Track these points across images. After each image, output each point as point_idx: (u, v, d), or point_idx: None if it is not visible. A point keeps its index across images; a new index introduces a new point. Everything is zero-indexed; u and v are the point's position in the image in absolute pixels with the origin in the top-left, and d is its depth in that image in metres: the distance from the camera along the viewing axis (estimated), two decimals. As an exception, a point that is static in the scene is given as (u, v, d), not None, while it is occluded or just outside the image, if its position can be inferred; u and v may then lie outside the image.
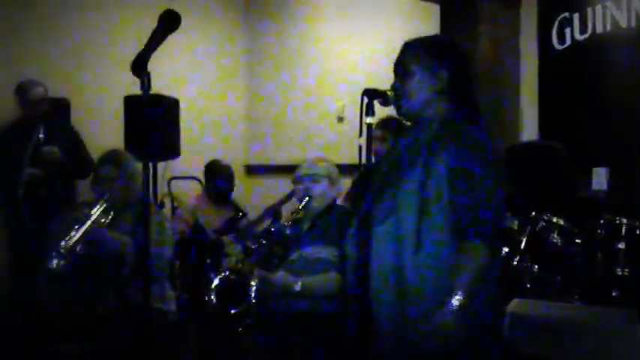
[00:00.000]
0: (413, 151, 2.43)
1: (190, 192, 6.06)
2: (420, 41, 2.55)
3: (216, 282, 3.68)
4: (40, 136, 5.03)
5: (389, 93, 2.43)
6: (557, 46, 5.12)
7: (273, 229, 3.66)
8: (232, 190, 5.72)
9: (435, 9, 5.47)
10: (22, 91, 5.15)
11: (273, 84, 7.23)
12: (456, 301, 2.17)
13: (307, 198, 3.71)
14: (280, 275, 3.54)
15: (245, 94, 7.46)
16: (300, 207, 3.68)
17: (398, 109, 2.49)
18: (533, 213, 3.91)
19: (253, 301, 3.48)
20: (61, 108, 5.57)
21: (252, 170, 7.39)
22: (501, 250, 2.23)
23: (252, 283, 3.51)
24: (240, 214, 5.34)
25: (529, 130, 5.30)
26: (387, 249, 2.34)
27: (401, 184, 2.37)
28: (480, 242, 2.23)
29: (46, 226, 4.70)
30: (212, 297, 3.60)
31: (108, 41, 6.26)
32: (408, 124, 2.56)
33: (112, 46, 6.24)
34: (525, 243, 3.85)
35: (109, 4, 6.35)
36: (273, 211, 5.17)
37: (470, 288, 2.19)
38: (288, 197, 5.03)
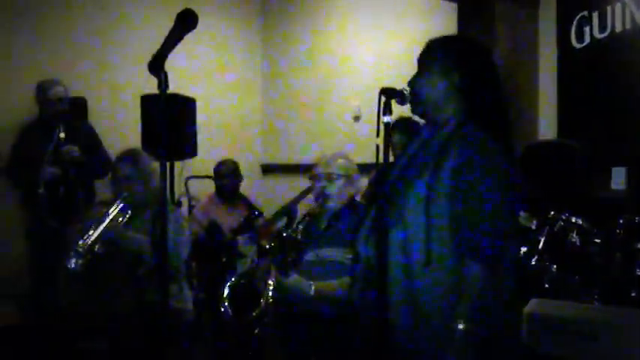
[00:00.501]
0: (423, 155, 2.39)
1: (207, 191, 6.07)
2: (439, 40, 2.53)
3: (226, 292, 3.68)
4: (61, 135, 5.05)
5: (406, 92, 2.42)
6: (576, 45, 5.08)
7: (285, 235, 3.63)
8: (238, 185, 5.73)
9: (453, 7, 5.45)
10: (42, 90, 5.17)
11: (289, 83, 7.24)
12: (460, 327, 2.14)
13: (323, 198, 3.69)
14: (294, 279, 3.51)
15: (261, 93, 7.46)
16: (316, 207, 3.66)
17: (413, 108, 2.47)
18: (552, 212, 3.88)
19: (268, 303, 3.47)
20: (78, 107, 5.59)
21: (268, 169, 7.39)
22: (509, 268, 2.18)
23: (270, 282, 3.50)
24: (256, 212, 5.33)
25: (547, 129, 5.27)
26: (397, 256, 2.28)
27: (409, 190, 2.31)
28: (480, 266, 2.16)
29: (65, 225, 4.74)
30: (226, 305, 3.59)
31: (125, 40, 6.28)
32: (422, 122, 2.53)
33: (129, 45, 6.26)
34: (544, 243, 3.82)
35: (126, 4, 6.37)
36: (289, 210, 5.16)
37: (472, 314, 2.15)
38: (304, 195, 5.01)
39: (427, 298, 2.25)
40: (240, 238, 5.06)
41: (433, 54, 2.47)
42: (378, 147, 2.29)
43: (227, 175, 5.68)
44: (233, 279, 3.82)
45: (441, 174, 2.25)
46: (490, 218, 2.18)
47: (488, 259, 2.16)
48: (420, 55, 2.50)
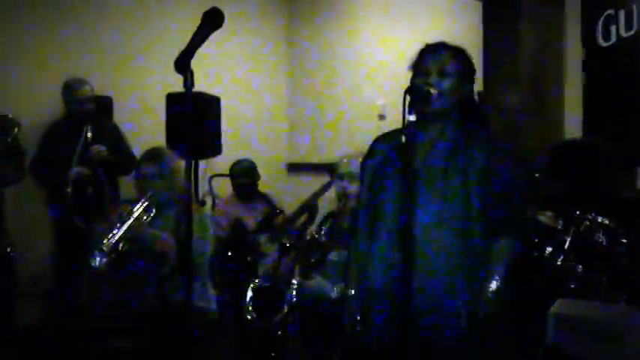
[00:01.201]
0: (451, 151, 2.56)
1: (231, 190, 6.09)
2: (455, 47, 2.66)
3: (250, 295, 3.68)
4: (89, 134, 5.08)
5: (432, 91, 2.45)
6: (602, 44, 5.03)
7: (307, 237, 3.63)
8: (254, 184, 5.73)
9: (478, 5, 5.42)
10: (69, 89, 5.20)
11: (314, 81, 7.23)
12: (494, 285, 2.47)
13: (345, 198, 3.68)
14: (317, 281, 3.51)
15: (286, 92, 7.47)
16: (338, 207, 3.66)
17: (429, 105, 2.50)
18: (578, 212, 3.85)
19: (291, 306, 3.47)
20: (104, 106, 5.62)
21: (293, 168, 7.40)
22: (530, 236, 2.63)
23: (293, 281, 3.50)
24: (276, 210, 5.34)
25: (573, 128, 5.23)
26: (439, 238, 2.47)
27: (446, 179, 2.50)
28: (513, 239, 2.56)
29: (92, 224, 4.77)
30: (250, 309, 3.59)
31: (151, 39, 6.30)
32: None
33: (155, 43, 6.28)
34: (570, 243, 3.80)
35: (152, 3, 6.40)
36: (309, 206, 5.16)
37: (504, 280, 2.49)
38: (323, 190, 5.00)
39: (464, 270, 2.51)
40: (262, 237, 5.07)
41: (459, 59, 2.62)
42: (403, 145, 2.29)
43: (241, 174, 5.68)
44: (256, 281, 3.83)
45: (471, 166, 2.50)
46: (519, 198, 2.59)
47: (519, 234, 2.59)
48: (444, 57, 2.59)
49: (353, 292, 2.72)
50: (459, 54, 2.63)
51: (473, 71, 2.69)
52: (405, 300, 2.23)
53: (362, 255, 2.66)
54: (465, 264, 2.49)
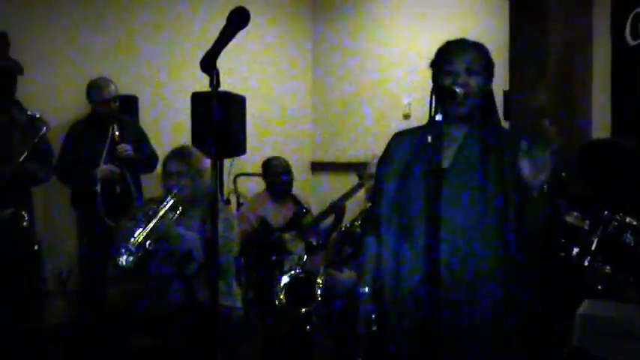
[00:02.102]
0: (483, 152, 2.52)
1: (255, 188, 6.09)
2: (478, 44, 2.63)
3: (285, 280, 3.69)
4: (116, 133, 5.11)
5: (458, 91, 2.42)
6: (631, 42, 4.98)
7: (343, 228, 3.64)
8: (292, 184, 5.71)
9: (505, 4, 5.38)
10: (93, 88, 5.22)
11: (339, 81, 7.23)
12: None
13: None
14: (347, 275, 3.52)
15: (311, 92, 7.47)
16: (370, 206, 3.65)
17: (458, 106, 2.48)
18: (605, 212, 3.81)
19: (319, 299, 3.48)
20: (129, 105, 5.65)
21: (317, 167, 7.40)
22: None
23: (319, 281, 3.50)
24: (304, 210, 5.34)
25: (602, 127, 5.18)
26: (472, 241, 2.44)
27: (482, 180, 2.46)
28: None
29: (118, 222, 4.80)
30: (281, 296, 3.60)
31: (176, 38, 6.33)
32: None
33: (181, 43, 6.31)
34: (597, 243, 3.76)
35: (178, 2, 6.42)
36: (337, 207, 5.16)
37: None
38: (352, 192, 5.01)
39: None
40: (289, 235, 5.07)
41: (484, 56, 2.58)
42: (429, 144, 2.28)
43: (282, 172, 5.65)
44: (294, 271, 3.83)
45: (507, 167, 2.45)
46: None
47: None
48: (471, 56, 2.55)
49: (367, 290, 2.68)
50: (482, 51, 2.59)
51: (493, 67, 2.64)
52: (432, 305, 2.22)
53: (385, 256, 2.61)
54: (499, 267, 2.45)
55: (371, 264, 2.69)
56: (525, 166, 2.29)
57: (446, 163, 2.51)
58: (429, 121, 2.28)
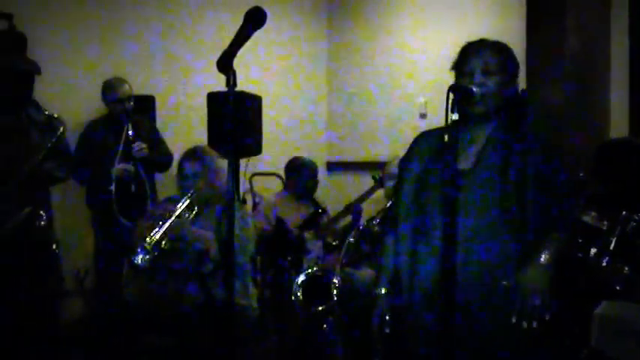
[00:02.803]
0: (502, 153, 2.50)
1: (272, 188, 6.09)
2: (498, 43, 2.60)
3: (302, 278, 3.69)
4: (130, 132, 5.12)
5: (475, 90, 2.42)
6: (649, 40, 4.97)
7: (362, 227, 3.64)
8: (317, 187, 5.68)
9: (522, 3, 5.36)
10: (108, 88, 5.25)
11: (354, 80, 7.22)
12: (543, 258, 2.41)
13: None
14: (365, 274, 3.52)
15: (327, 91, 7.47)
16: (389, 205, 3.65)
17: (475, 106, 2.47)
18: (624, 213, 3.79)
19: (335, 298, 3.47)
20: (146, 105, 5.66)
21: (333, 166, 7.39)
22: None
23: (335, 280, 3.50)
24: (320, 210, 5.33)
25: (619, 126, 5.15)
26: (489, 242, 2.42)
27: (500, 182, 2.44)
28: (565, 234, 2.52)
29: (134, 221, 4.81)
30: (298, 293, 3.60)
31: (193, 38, 6.34)
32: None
33: (197, 43, 6.32)
34: (615, 244, 3.73)
35: (194, 2, 6.44)
36: (355, 207, 5.16)
37: (554, 255, 2.43)
38: (369, 193, 5.00)
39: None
40: (307, 235, 5.07)
41: (503, 55, 2.56)
42: (445, 144, 2.27)
43: (312, 175, 5.62)
44: (310, 269, 3.84)
45: (527, 171, 2.46)
46: (569, 195, 2.57)
47: (569, 228, 2.58)
48: (487, 56, 2.54)
49: (383, 291, 2.68)
50: (502, 51, 2.57)
51: (517, 68, 2.62)
52: (446, 307, 2.21)
53: (402, 255, 2.60)
54: (516, 267, 2.44)
55: (389, 264, 2.68)
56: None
57: (466, 165, 2.50)
58: (452, 121, 2.27)
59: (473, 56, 2.55)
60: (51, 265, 4.51)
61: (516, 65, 2.61)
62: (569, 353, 3.56)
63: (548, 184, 2.45)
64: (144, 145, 5.12)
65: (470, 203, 2.41)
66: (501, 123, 2.56)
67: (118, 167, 5.06)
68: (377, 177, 4.85)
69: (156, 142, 5.38)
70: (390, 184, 3.87)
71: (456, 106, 2.28)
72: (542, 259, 2.41)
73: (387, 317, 2.62)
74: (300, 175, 5.58)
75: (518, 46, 4.51)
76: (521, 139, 2.52)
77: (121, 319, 3.89)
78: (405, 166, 2.71)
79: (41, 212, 4.29)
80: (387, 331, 2.61)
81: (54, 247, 4.49)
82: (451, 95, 2.29)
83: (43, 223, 4.29)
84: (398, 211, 2.65)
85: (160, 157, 5.34)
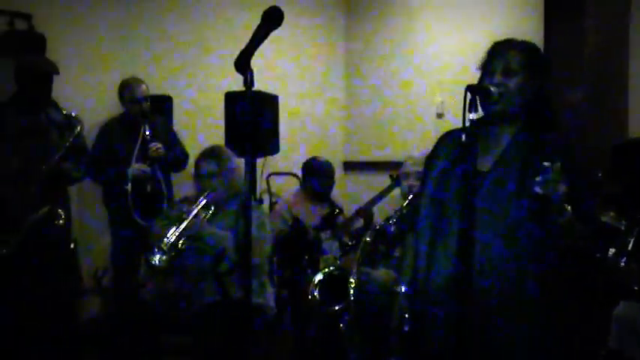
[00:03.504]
0: (524, 155, 2.44)
1: (288, 188, 6.10)
2: (524, 43, 2.56)
3: (319, 277, 3.70)
4: (147, 132, 5.14)
5: (493, 90, 2.39)
6: (669, 39, 4.93)
7: (378, 226, 3.64)
8: (333, 187, 5.68)
9: (540, 2, 5.34)
10: (126, 88, 5.26)
11: (371, 80, 7.21)
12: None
13: (411, 196, 3.68)
14: (381, 273, 3.52)
15: (343, 91, 7.46)
16: (405, 204, 3.65)
17: (494, 105, 2.43)
18: (642, 213, 3.77)
19: (352, 297, 3.48)
20: (163, 105, 5.68)
21: (350, 166, 7.39)
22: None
23: (352, 280, 3.50)
24: (337, 210, 5.33)
25: (637, 126, 5.12)
26: (509, 243, 2.38)
27: (521, 184, 2.38)
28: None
29: (150, 221, 4.83)
30: (315, 293, 3.61)
31: (210, 38, 6.35)
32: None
33: (214, 43, 6.34)
34: (633, 244, 3.72)
35: (211, 2, 6.45)
36: (370, 208, 5.15)
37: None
38: (385, 194, 4.99)
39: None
40: (323, 235, 5.07)
41: (527, 56, 2.50)
42: (463, 144, 2.26)
43: (328, 175, 5.60)
44: (328, 268, 3.85)
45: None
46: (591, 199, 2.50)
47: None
48: (509, 55, 2.49)
49: (404, 289, 2.67)
50: (526, 51, 2.52)
51: (544, 67, 2.55)
52: (461, 306, 2.20)
53: (420, 254, 2.58)
54: (536, 277, 2.39)
55: (410, 263, 2.67)
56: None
57: (486, 166, 2.47)
58: (470, 121, 2.25)
59: (496, 56, 2.50)
60: (69, 264, 4.55)
61: (544, 65, 2.55)
62: (589, 354, 3.55)
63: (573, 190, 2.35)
64: (160, 145, 5.13)
65: (489, 204, 2.38)
66: (525, 123, 2.51)
67: (134, 167, 5.07)
68: (394, 176, 4.84)
69: (172, 141, 5.40)
70: (406, 183, 3.86)
71: (474, 105, 2.27)
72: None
73: (406, 316, 2.61)
74: (316, 175, 5.56)
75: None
76: (545, 141, 2.45)
77: (138, 317, 3.90)
78: (430, 164, 2.68)
79: (59, 211, 4.32)
80: (406, 329, 2.60)
81: (72, 245, 4.52)
82: (469, 95, 2.27)
83: (61, 222, 4.32)
84: (418, 210, 2.64)
85: (176, 157, 5.35)
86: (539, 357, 2.42)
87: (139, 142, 5.12)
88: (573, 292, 2.50)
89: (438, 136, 2.77)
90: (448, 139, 2.69)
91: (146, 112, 5.23)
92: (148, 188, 5.11)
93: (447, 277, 2.42)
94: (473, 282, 2.24)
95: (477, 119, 2.26)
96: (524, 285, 2.39)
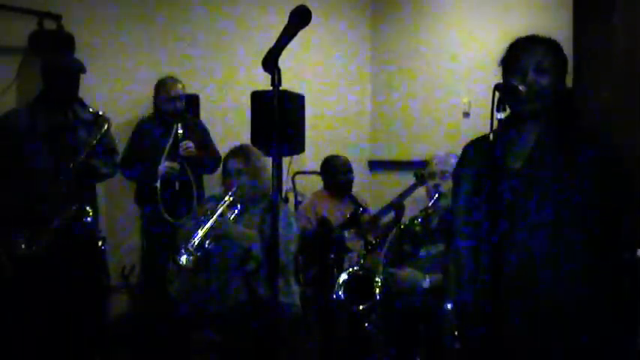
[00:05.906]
0: (559, 154, 2.38)
1: (314, 187, 6.10)
2: (550, 40, 2.49)
3: (344, 277, 3.70)
4: (179, 131, 5.17)
5: (521, 89, 2.34)
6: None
7: (403, 226, 3.64)
8: (352, 184, 5.69)
9: (569, 0, 5.30)
10: (162, 87, 5.29)
11: (397, 79, 7.19)
12: None
13: (437, 195, 3.66)
14: (408, 271, 3.51)
15: (369, 90, 7.45)
16: (430, 204, 3.64)
17: (523, 104, 2.37)
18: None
19: (378, 297, 3.47)
20: (191, 104, 5.70)
21: (375, 165, 7.38)
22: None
23: (377, 279, 3.49)
24: (361, 208, 5.32)
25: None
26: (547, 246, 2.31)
27: (558, 184, 2.33)
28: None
29: (179, 219, 4.86)
30: (340, 293, 3.61)
31: (237, 37, 6.37)
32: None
33: (241, 42, 6.36)
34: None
35: (237, 2, 6.47)
36: (396, 205, 5.13)
37: None
38: (410, 191, 4.97)
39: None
40: (347, 234, 5.06)
41: (555, 53, 2.45)
42: (490, 144, 2.24)
43: (344, 171, 5.63)
44: (352, 268, 3.85)
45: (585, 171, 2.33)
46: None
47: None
48: (540, 53, 2.43)
49: (450, 306, 2.60)
50: (554, 48, 2.46)
51: (567, 65, 2.49)
52: (498, 313, 2.18)
53: (463, 267, 2.49)
54: (582, 279, 2.31)
55: (454, 276, 2.59)
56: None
57: (517, 165, 2.41)
58: (498, 120, 2.22)
59: (525, 53, 2.43)
60: (97, 262, 4.57)
61: (566, 62, 2.49)
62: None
63: (609, 187, 2.34)
64: (191, 144, 5.15)
65: (523, 203, 2.33)
66: (553, 121, 2.44)
67: (164, 165, 5.10)
68: (419, 174, 4.82)
69: (205, 141, 5.41)
70: (432, 182, 3.84)
71: (503, 104, 2.23)
72: None
73: (456, 333, 2.56)
74: (332, 172, 5.60)
75: (564, 44, 4.43)
76: (575, 137, 2.40)
77: (165, 315, 3.92)
78: (458, 174, 2.63)
79: (87, 209, 4.36)
80: (457, 347, 2.54)
81: (100, 243, 4.55)
82: (497, 94, 2.23)
83: (89, 219, 4.36)
84: (455, 221, 2.57)
85: (207, 158, 5.35)
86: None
87: (171, 140, 5.14)
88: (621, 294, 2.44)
89: (463, 136, 2.72)
90: (474, 146, 2.63)
91: (180, 111, 5.25)
92: (177, 186, 5.14)
93: (485, 281, 2.34)
94: (510, 286, 2.21)
95: (505, 118, 2.22)
96: (574, 284, 2.30)
